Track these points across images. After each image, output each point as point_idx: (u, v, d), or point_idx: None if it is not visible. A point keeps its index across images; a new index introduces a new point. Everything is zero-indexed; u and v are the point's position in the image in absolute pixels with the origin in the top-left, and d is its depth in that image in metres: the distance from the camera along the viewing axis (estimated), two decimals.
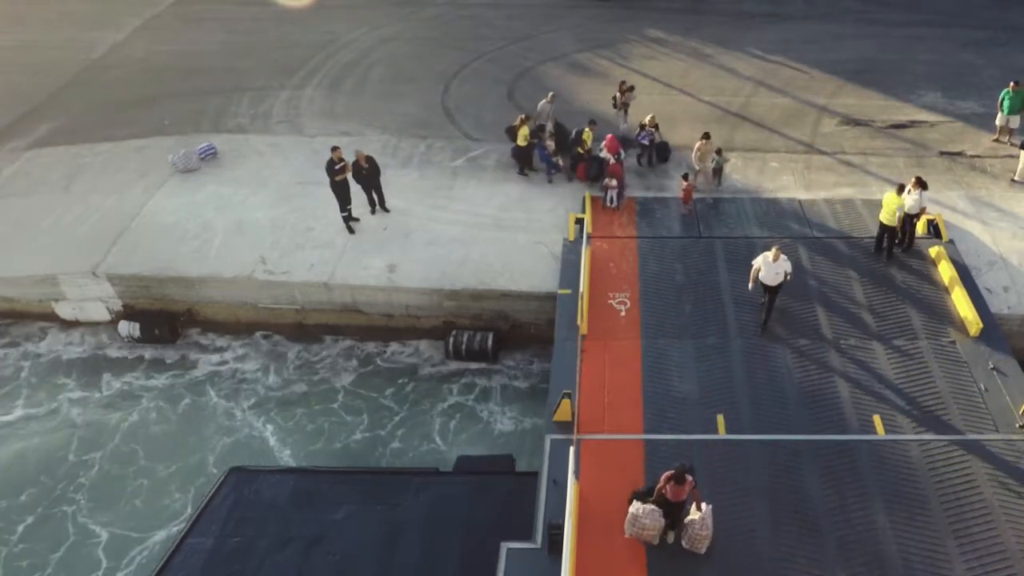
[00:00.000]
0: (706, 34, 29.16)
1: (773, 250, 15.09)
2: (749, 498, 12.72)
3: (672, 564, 11.80)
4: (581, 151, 20.23)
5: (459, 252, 18.67)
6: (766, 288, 15.49)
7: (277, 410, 17.44)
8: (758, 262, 15.33)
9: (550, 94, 21.79)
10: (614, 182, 19.41)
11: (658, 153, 21.22)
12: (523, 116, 20.81)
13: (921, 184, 17.15)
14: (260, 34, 30.64)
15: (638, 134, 21.00)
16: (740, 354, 15.38)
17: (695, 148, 20.02)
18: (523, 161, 20.98)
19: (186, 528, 13.42)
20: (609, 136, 20.29)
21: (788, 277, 15.39)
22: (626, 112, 22.39)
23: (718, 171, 20.01)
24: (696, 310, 16.49)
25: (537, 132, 20.99)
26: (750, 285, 15.69)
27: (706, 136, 20.04)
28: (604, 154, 19.96)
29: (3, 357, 19.01)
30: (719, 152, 19.95)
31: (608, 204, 19.50)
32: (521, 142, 20.59)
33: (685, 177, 19.44)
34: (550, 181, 20.75)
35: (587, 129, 20.35)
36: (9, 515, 15.56)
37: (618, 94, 22.18)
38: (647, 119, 20.92)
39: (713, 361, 15.22)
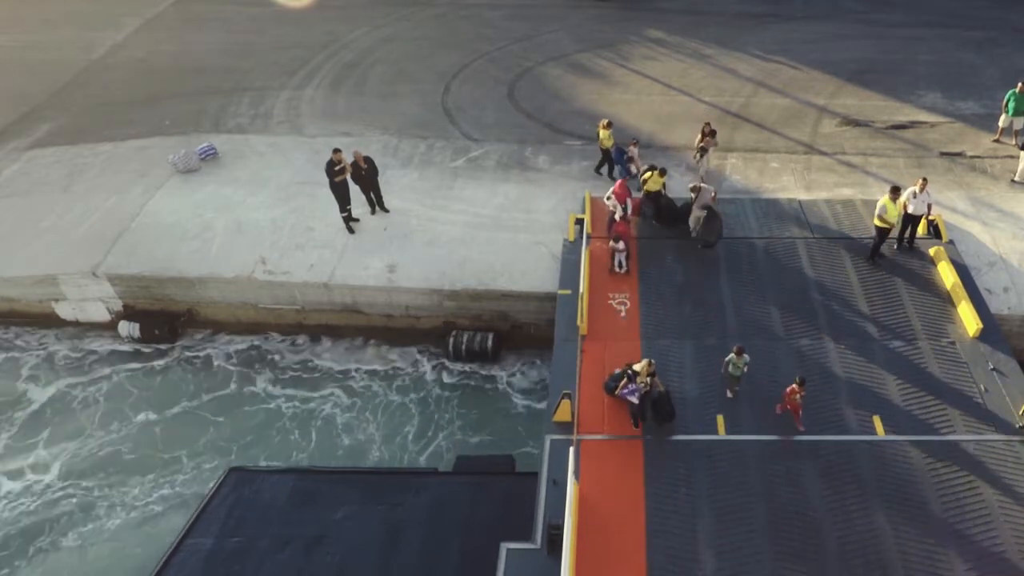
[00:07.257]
0: (706, 34, 29.17)
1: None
2: (749, 498, 12.73)
3: (672, 564, 11.82)
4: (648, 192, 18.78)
5: (459, 252, 18.68)
6: None
7: (277, 410, 17.46)
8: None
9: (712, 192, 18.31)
10: (621, 244, 17.20)
11: (656, 412, 13.90)
12: (606, 121, 20.27)
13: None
14: (260, 34, 30.64)
15: (624, 383, 13.74)
16: None
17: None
18: (604, 161, 20.85)
19: (186, 528, 13.41)
20: (619, 182, 18.27)
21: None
22: (703, 156, 20.15)
23: (738, 379, 14.34)
24: (696, 311, 16.48)
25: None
26: None
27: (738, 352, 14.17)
28: (612, 203, 17.90)
29: (3, 358, 19.04)
30: (739, 351, 14.04)
31: (617, 269, 17.34)
32: (607, 143, 20.24)
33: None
34: (612, 178, 20.28)
35: (655, 174, 18.50)
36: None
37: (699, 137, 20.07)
38: (640, 365, 13.71)
39: (713, 361, 15.18)
